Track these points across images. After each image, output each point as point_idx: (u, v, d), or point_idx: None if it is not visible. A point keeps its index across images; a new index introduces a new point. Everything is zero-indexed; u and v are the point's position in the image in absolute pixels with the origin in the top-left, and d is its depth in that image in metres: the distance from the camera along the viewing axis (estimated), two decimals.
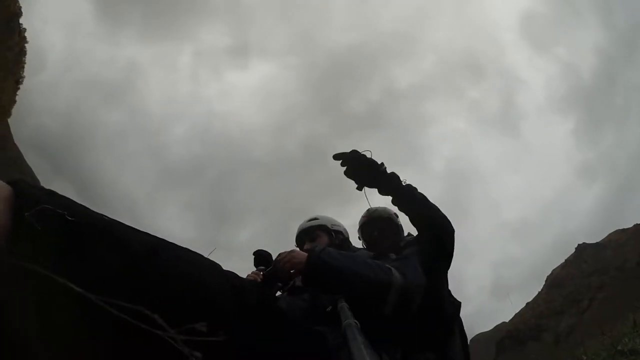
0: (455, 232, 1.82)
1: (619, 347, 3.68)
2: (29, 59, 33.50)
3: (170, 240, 0.97)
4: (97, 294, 0.51)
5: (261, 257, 1.91)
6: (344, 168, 1.82)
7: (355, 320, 1.14)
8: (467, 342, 1.84)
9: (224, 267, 1.10)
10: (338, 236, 2.15)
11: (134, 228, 0.91)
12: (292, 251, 1.52)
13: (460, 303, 1.88)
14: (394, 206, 1.84)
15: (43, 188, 0.86)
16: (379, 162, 1.77)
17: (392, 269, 1.43)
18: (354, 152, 1.75)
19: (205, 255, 1.05)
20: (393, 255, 1.61)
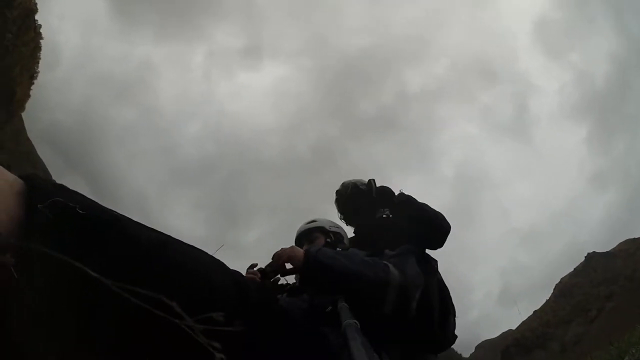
0: (452, 232, 1.86)
1: (626, 358, 3.65)
2: (43, 54, 33.88)
3: (177, 238, 0.99)
4: (106, 287, 0.50)
5: None
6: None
7: (355, 320, 1.15)
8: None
9: (232, 266, 1.12)
10: (337, 237, 2.17)
11: (142, 224, 0.94)
12: (292, 247, 1.54)
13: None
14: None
15: (55, 183, 0.88)
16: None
17: (390, 265, 1.43)
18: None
19: (213, 253, 1.07)
20: (389, 252, 1.61)
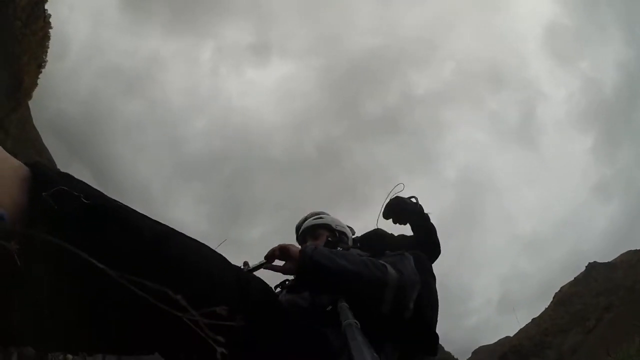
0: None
1: None
2: (52, 44, 33.94)
3: (180, 231, 0.99)
4: (108, 276, 0.50)
5: None
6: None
7: (355, 320, 1.14)
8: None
9: (234, 263, 1.11)
10: (341, 236, 2.14)
11: (146, 216, 0.94)
12: (289, 244, 1.50)
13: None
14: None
15: (60, 171, 0.88)
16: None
17: (388, 265, 1.42)
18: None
19: (215, 247, 1.06)
20: (389, 253, 1.60)
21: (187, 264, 0.93)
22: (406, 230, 2.18)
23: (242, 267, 1.44)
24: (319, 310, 1.45)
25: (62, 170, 0.94)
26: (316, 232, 2.13)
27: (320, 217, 2.21)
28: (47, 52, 33.49)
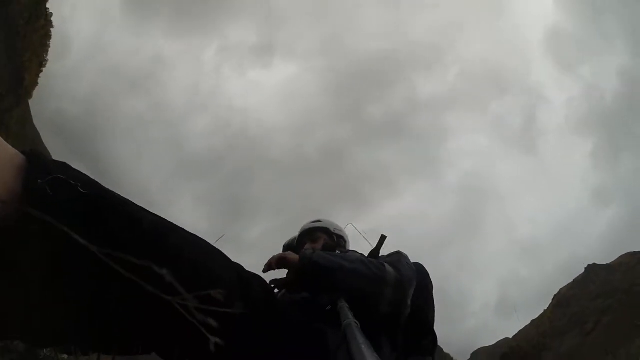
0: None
1: None
2: (54, 43, 34.01)
3: (180, 226, 0.98)
4: (106, 267, 0.48)
5: None
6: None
7: (355, 320, 1.14)
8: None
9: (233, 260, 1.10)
10: (339, 240, 2.15)
11: (145, 208, 0.92)
12: (285, 253, 1.52)
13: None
14: None
15: (58, 161, 0.87)
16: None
17: (385, 264, 1.44)
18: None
19: (213, 243, 1.05)
20: (384, 256, 1.61)
21: (188, 257, 0.92)
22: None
23: None
24: (318, 309, 1.45)
25: None
26: (314, 235, 2.14)
27: (319, 221, 2.22)
28: (48, 50, 33.60)
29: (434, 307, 1.70)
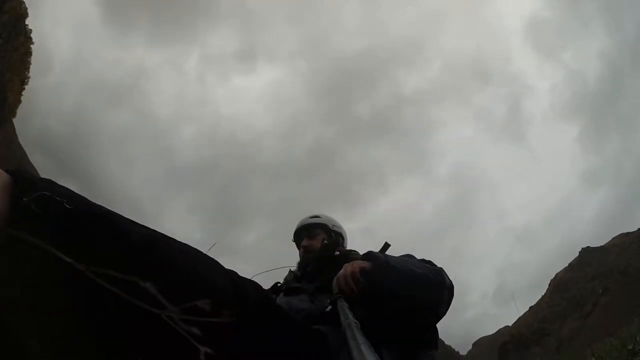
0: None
1: (630, 347, 3.66)
2: (35, 60, 33.75)
3: (171, 236, 0.96)
4: (96, 283, 0.49)
5: None
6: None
7: (355, 320, 1.13)
8: None
9: (228, 269, 1.09)
10: (337, 237, 2.12)
11: (133, 221, 0.91)
12: (350, 264, 1.40)
13: None
14: None
15: (43, 177, 0.85)
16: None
17: (442, 268, 1.43)
18: None
19: (206, 252, 1.04)
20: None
21: (180, 268, 0.90)
22: None
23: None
24: (318, 310, 1.44)
25: None
26: (313, 231, 2.08)
27: (318, 217, 2.17)
28: (29, 68, 33.28)
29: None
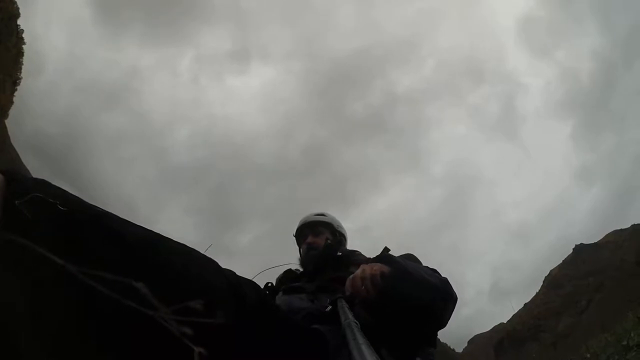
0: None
1: (624, 343, 3.69)
2: (27, 61, 33.54)
3: (167, 236, 0.95)
4: (88, 285, 0.47)
5: None
6: None
7: (355, 320, 1.12)
8: None
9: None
10: (340, 238, 2.10)
11: (129, 221, 0.89)
12: (369, 266, 1.34)
13: None
14: None
15: (36, 178, 0.83)
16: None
17: (447, 279, 1.42)
18: None
19: (202, 252, 1.02)
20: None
21: (177, 269, 0.89)
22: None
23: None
24: (317, 310, 1.43)
25: None
26: (317, 228, 2.08)
27: (323, 215, 2.16)
28: (21, 68, 33.04)
29: None
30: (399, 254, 1.90)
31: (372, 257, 1.60)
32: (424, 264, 1.79)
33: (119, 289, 0.45)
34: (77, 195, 0.85)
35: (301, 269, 1.94)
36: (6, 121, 33.78)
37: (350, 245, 2.18)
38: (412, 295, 1.27)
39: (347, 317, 1.16)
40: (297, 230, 2.12)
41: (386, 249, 1.58)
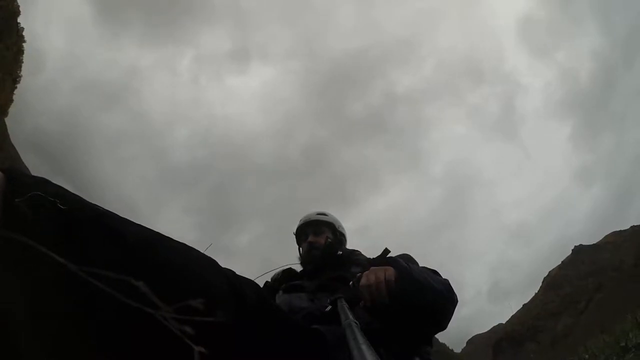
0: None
1: (623, 344, 3.69)
2: (27, 59, 33.51)
3: (168, 235, 0.95)
4: (89, 283, 0.49)
5: None
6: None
7: (355, 320, 1.12)
8: None
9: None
10: (341, 238, 2.10)
11: (129, 220, 0.89)
12: (382, 270, 1.32)
13: None
14: None
15: (36, 176, 0.83)
16: None
17: (448, 281, 1.43)
18: None
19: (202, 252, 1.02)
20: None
21: (177, 268, 0.89)
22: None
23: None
24: (318, 310, 1.43)
25: None
26: (319, 228, 2.07)
27: (325, 215, 2.16)
28: (21, 66, 33.00)
29: None
30: (397, 254, 1.91)
31: (373, 258, 1.60)
32: (423, 264, 1.79)
33: (119, 288, 0.46)
34: (77, 194, 0.85)
35: (301, 268, 1.93)
36: (6, 119, 33.75)
37: (350, 245, 2.18)
38: (420, 301, 1.27)
39: (347, 317, 1.15)
40: (298, 229, 2.11)
41: (386, 250, 1.57)
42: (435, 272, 1.51)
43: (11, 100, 32.99)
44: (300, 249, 2.05)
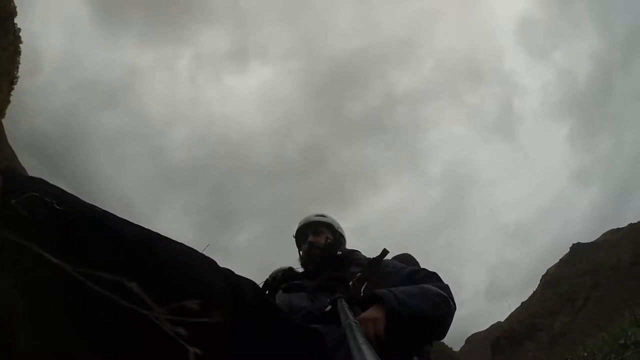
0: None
1: (621, 341, 3.69)
2: (24, 59, 33.40)
3: (166, 236, 0.94)
4: (83, 284, 0.48)
5: None
6: None
7: (355, 320, 1.12)
8: None
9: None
10: (340, 240, 2.12)
11: (127, 220, 0.88)
12: (371, 323, 1.30)
13: None
14: None
15: (34, 177, 0.83)
16: None
17: (448, 286, 1.48)
18: None
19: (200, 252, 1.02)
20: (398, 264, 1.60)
21: (175, 268, 0.88)
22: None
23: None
24: (317, 310, 1.43)
25: None
26: (318, 229, 2.11)
27: (324, 216, 2.19)
28: (18, 67, 32.90)
29: None
30: (397, 254, 1.91)
31: (372, 258, 1.61)
32: (422, 264, 1.79)
33: (114, 289, 0.45)
34: (74, 194, 0.85)
35: (302, 270, 1.94)
36: (3, 120, 33.64)
37: (349, 245, 2.20)
38: (416, 333, 1.34)
39: (347, 317, 1.16)
40: (297, 231, 2.14)
41: (385, 251, 1.58)
42: (435, 276, 1.52)
43: (8, 101, 32.87)
44: (300, 251, 2.07)
